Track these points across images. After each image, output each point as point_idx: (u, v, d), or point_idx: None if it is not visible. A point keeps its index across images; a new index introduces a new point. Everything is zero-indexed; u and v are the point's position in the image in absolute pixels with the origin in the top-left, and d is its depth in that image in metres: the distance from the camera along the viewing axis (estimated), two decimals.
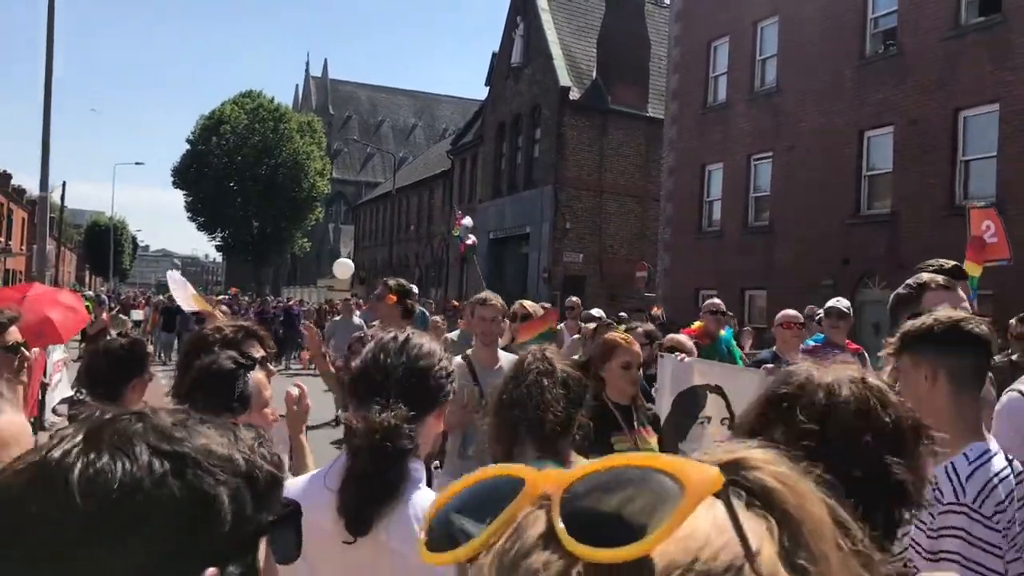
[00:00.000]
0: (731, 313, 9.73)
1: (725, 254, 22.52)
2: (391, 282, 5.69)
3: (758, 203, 22.14)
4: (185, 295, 6.40)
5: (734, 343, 8.20)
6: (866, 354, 6.56)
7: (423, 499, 1.83)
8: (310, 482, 1.92)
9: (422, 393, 1.99)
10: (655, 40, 31.30)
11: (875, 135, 18.54)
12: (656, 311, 16.76)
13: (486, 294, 5.30)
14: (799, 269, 19.50)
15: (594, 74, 31.79)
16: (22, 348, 3.09)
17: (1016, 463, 2.30)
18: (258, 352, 2.62)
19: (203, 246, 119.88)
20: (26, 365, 3.24)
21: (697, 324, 7.54)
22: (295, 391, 2.89)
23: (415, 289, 6.83)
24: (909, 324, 2.40)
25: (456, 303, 19.44)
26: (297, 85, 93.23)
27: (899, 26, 17.94)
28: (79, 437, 0.84)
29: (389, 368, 1.99)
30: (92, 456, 0.81)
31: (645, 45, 31.54)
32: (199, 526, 0.83)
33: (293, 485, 1.92)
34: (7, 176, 46.57)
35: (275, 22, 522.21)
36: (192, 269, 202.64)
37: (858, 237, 18.47)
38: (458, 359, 4.46)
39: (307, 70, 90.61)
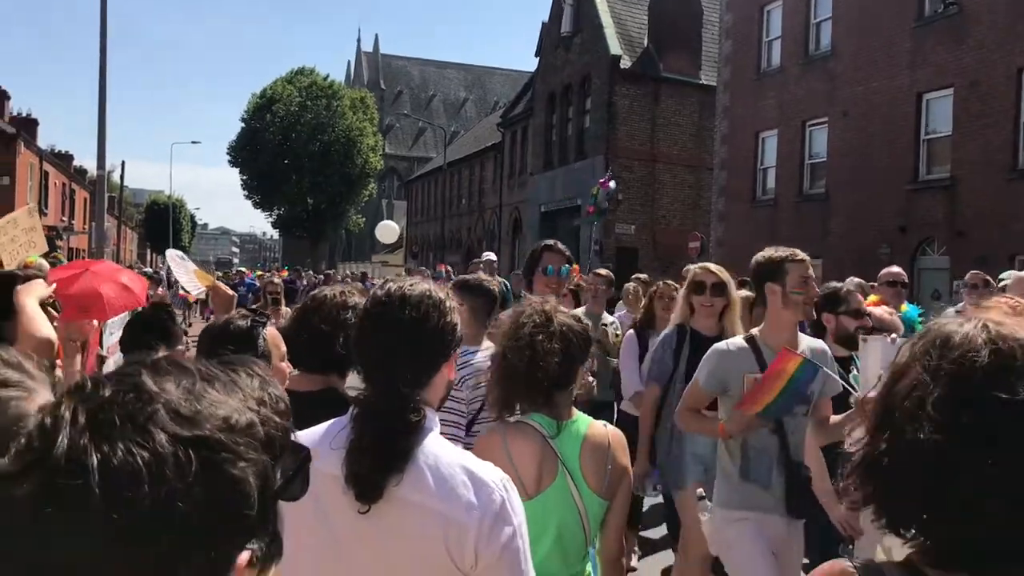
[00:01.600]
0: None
1: (780, 223, 22.16)
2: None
3: (813, 170, 21.72)
4: (187, 274, 5.96)
5: (919, 321, 6.68)
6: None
7: (434, 446, 1.80)
8: (318, 444, 1.83)
9: (430, 348, 1.89)
10: (707, 6, 30.74)
11: (934, 98, 18.02)
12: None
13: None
14: (855, 237, 19.12)
15: (645, 42, 31.34)
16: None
17: None
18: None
19: (260, 223, 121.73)
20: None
21: (873, 298, 6.57)
22: None
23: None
24: None
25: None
26: (349, 61, 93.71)
27: None
28: (81, 421, 0.74)
29: (392, 326, 1.86)
30: (106, 450, 0.72)
31: (697, 11, 31.00)
32: (228, 514, 0.78)
33: (301, 438, 1.88)
34: (69, 157, 47.56)
35: None
36: (250, 246, 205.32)
37: (916, 203, 18.03)
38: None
39: (359, 45, 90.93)
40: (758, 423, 3.64)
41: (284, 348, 2.73)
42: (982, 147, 16.58)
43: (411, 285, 1.93)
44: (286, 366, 2.67)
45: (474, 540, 1.72)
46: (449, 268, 18.86)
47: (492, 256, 13.83)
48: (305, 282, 22.61)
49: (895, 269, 7.19)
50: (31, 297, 2.89)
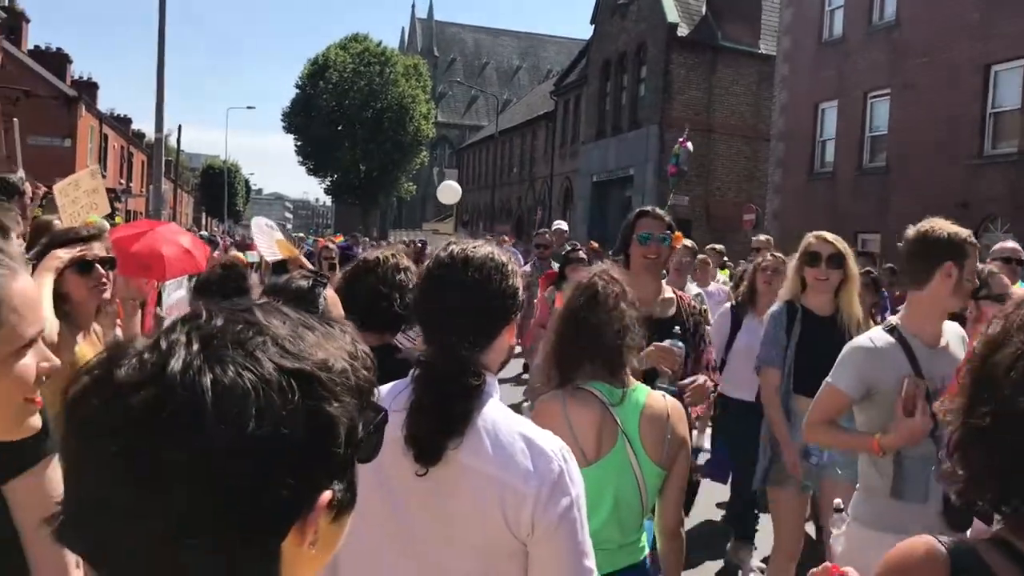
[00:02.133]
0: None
1: (838, 196, 21.77)
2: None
3: (874, 143, 21.24)
4: (269, 243, 5.91)
5: None
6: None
7: (493, 412, 1.79)
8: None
9: (491, 311, 1.87)
10: None
11: (1003, 69, 17.44)
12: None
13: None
14: (916, 212, 18.54)
15: (704, 9, 30.82)
16: (96, 267, 3.12)
17: None
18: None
19: (314, 190, 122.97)
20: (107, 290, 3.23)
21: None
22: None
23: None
24: None
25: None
26: (403, 27, 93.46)
27: None
28: (196, 346, 0.79)
29: (454, 286, 1.85)
30: (219, 371, 0.77)
31: None
32: (319, 451, 0.82)
33: None
34: (127, 120, 48.29)
35: None
36: (303, 212, 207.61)
37: (980, 179, 17.55)
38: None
39: (412, 11, 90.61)
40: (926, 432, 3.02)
41: (341, 310, 2.79)
42: None
43: (474, 247, 1.91)
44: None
45: (531, 509, 1.71)
46: (504, 239, 18.59)
47: (563, 225, 13.17)
48: (361, 248, 22.71)
49: (1010, 244, 6.36)
50: (45, 275, 2.83)
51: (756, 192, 28.39)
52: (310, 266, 5.36)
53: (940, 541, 1.21)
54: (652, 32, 30.91)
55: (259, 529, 0.78)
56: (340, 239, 19.75)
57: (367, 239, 31.97)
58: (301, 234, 36.91)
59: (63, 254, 2.94)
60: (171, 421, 0.74)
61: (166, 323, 0.87)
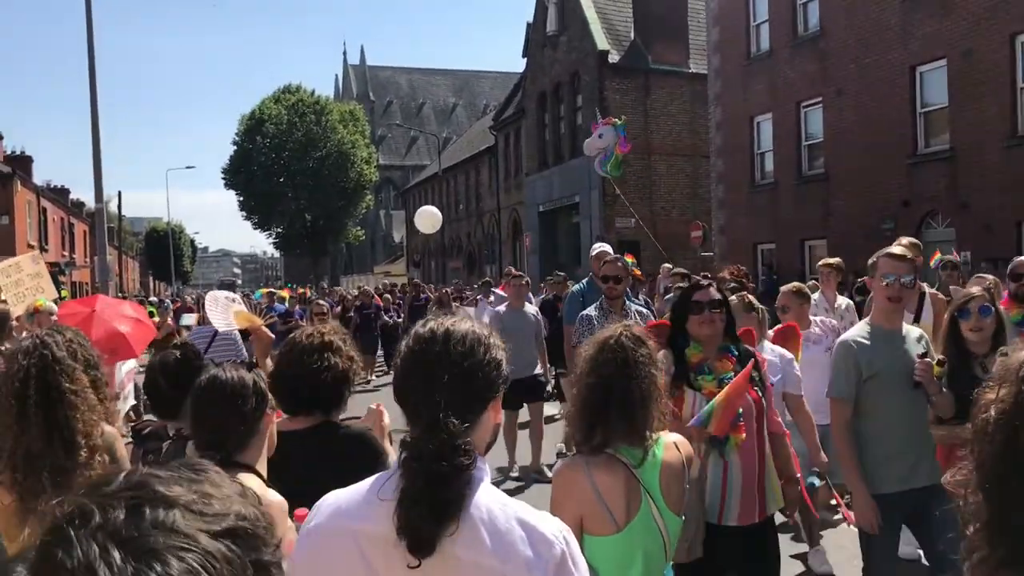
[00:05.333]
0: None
1: (781, 206, 22.10)
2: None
3: (811, 151, 21.64)
4: (225, 316, 5.28)
5: None
6: None
7: (487, 498, 1.71)
8: (365, 496, 1.77)
9: (477, 387, 1.78)
10: None
11: (928, 70, 17.92)
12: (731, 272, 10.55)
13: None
14: (858, 214, 19.03)
15: (632, 34, 31.27)
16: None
17: None
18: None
19: (261, 243, 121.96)
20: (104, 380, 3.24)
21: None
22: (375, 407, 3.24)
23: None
24: None
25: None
26: (337, 75, 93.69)
27: None
28: (116, 553, 0.69)
29: (437, 362, 1.77)
30: (159, 568, 0.68)
31: (682, 0, 30.93)
32: None
33: (346, 497, 1.80)
34: (65, 191, 47.53)
35: (312, 11, 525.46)
36: (251, 266, 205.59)
37: (917, 177, 17.94)
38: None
39: (345, 59, 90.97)
40: None
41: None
42: (979, 116, 16.47)
43: (454, 322, 1.84)
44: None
45: None
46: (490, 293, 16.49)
47: (606, 247, 8.58)
48: (425, 295, 18.95)
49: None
50: None
51: (700, 208, 28.70)
52: (270, 335, 5.20)
53: None
54: (584, 60, 31.27)
55: None
56: (286, 293, 19.25)
57: (440, 286, 27.14)
58: (247, 291, 36.18)
59: None
60: None
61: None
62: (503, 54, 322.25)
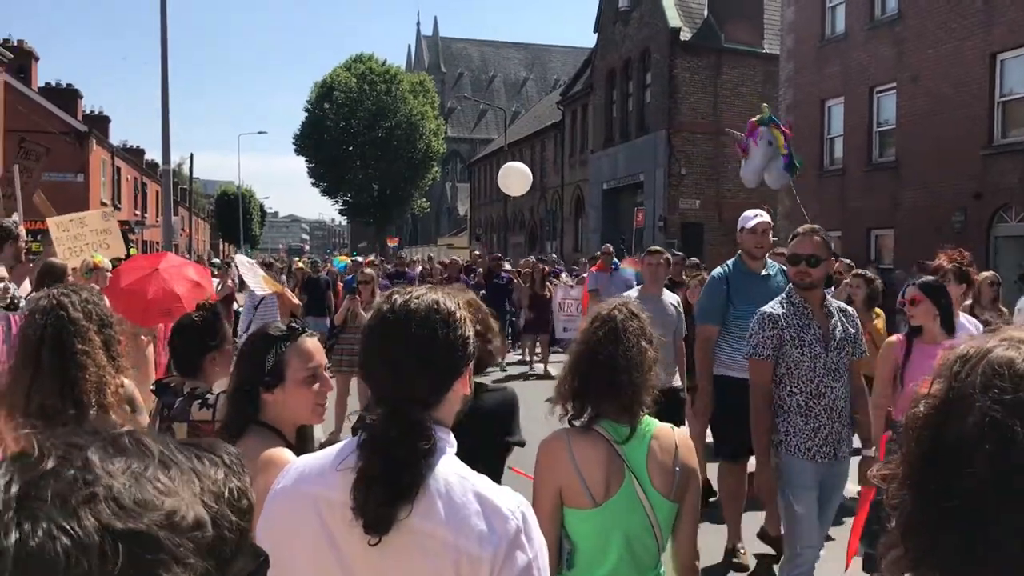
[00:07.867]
0: None
1: (849, 193, 21.61)
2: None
3: (882, 138, 21.07)
4: (255, 279, 6.19)
5: None
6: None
7: (447, 469, 1.68)
8: (328, 464, 1.74)
9: (440, 365, 1.73)
10: None
11: (1008, 57, 17.26)
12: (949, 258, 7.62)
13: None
14: (927, 206, 18.50)
15: (705, 12, 30.73)
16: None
17: None
18: None
19: (328, 210, 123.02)
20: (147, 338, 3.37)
21: None
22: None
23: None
24: None
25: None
26: (409, 45, 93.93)
27: None
28: (12, 491, 0.68)
29: (391, 353, 1.71)
30: (27, 529, 0.65)
31: None
32: None
33: (310, 463, 1.79)
34: (140, 151, 48.66)
35: None
36: (319, 232, 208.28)
37: (992, 169, 17.35)
38: None
39: (418, 29, 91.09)
40: None
41: (324, 358, 2.60)
42: None
43: (417, 296, 1.77)
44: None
45: (487, 573, 1.62)
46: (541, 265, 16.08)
47: (762, 216, 6.28)
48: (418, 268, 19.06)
49: None
50: None
51: (767, 192, 28.20)
52: (296, 301, 5.35)
53: None
54: (655, 38, 30.85)
55: None
56: (346, 259, 19.54)
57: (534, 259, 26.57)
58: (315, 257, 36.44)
59: None
60: None
61: None
62: (575, 28, 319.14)
